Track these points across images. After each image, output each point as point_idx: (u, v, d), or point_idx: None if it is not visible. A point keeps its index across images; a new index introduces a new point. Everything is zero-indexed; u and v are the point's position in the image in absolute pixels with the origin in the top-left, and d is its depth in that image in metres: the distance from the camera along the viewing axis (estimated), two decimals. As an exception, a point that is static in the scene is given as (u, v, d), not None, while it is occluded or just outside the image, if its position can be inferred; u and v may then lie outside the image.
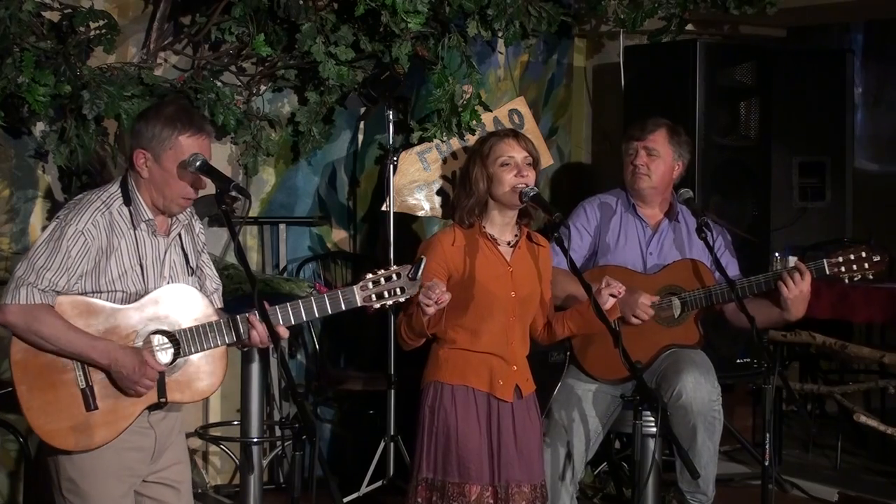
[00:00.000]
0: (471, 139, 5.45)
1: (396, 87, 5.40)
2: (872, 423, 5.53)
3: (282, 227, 5.68)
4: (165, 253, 3.45)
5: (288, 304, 3.45)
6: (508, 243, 3.99)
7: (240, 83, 5.41)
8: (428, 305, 3.59)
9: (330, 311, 3.47)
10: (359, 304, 3.46)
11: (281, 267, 5.66)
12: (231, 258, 5.29)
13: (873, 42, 8.05)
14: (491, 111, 5.69)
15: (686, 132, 4.74)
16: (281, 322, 3.42)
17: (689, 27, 6.08)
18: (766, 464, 4.07)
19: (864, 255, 4.30)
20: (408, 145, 5.59)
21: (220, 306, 3.58)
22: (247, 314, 3.41)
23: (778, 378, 4.08)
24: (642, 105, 5.93)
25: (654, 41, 5.99)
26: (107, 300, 3.35)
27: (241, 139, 5.36)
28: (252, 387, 4.83)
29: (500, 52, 6.09)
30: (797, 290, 4.27)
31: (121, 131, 4.88)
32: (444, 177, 5.54)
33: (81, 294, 3.33)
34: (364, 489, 5.27)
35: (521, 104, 5.83)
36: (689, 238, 4.55)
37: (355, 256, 5.89)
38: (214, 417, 5.48)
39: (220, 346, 3.42)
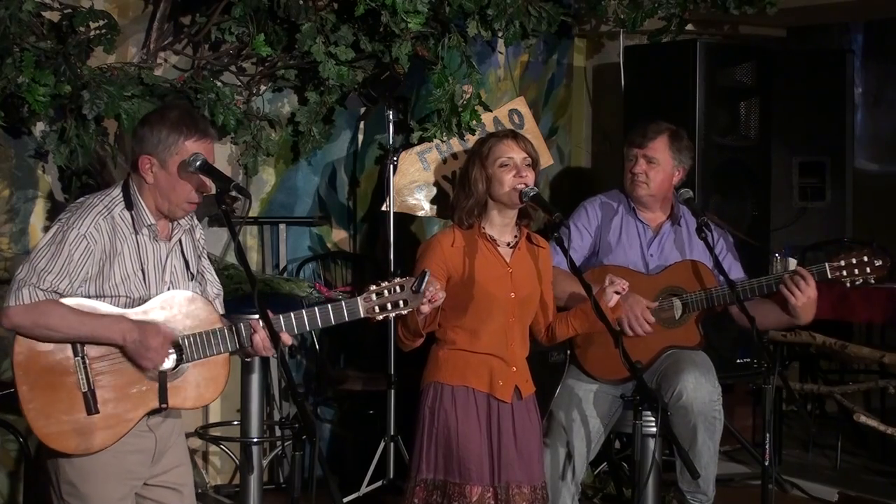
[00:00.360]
0: (471, 139, 5.45)
1: (396, 87, 5.41)
2: (872, 423, 5.53)
3: (282, 227, 5.68)
4: (167, 258, 3.45)
5: (291, 313, 3.45)
6: (508, 244, 3.99)
7: (240, 83, 5.41)
8: (422, 304, 3.59)
9: (333, 322, 3.48)
10: (362, 316, 3.47)
11: (281, 267, 5.66)
12: (231, 258, 5.29)
13: (873, 42, 8.05)
14: (491, 111, 5.69)
15: (686, 132, 4.73)
16: (283, 329, 3.42)
17: (689, 27, 6.08)
18: (766, 464, 4.07)
19: (866, 259, 4.30)
20: (408, 145, 5.60)
21: (221, 312, 3.57)
22: (249, 320, 3.40)
23: (778, 378, 4.08)
24: (642, 105, 5.94)
25: (654, 41, 5.99)
26: (111, 305, 3.35)
27: (241, 139, 5.36)
28: (252, 387, 4.84)
29: (500, 52, 6.09)
30: (804, 298, 4.27)
31: (121, 131, 4.88)
32: (444, 177, 5.54)
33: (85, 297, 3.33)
34: (364, 489, 5.27)
35: (521, 104, 5.83)
36: (691, 239, 4.54)
37: (355, 256, 5.89)
38: (214, 417, 5.48)
39: (223, 352, 3.42)
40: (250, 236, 5.66)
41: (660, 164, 4.52)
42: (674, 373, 4.42)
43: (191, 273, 3.50)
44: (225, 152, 5.44)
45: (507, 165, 3.92)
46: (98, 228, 3.33)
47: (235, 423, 5.17)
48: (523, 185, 3.89)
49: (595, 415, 4.50)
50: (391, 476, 5.27)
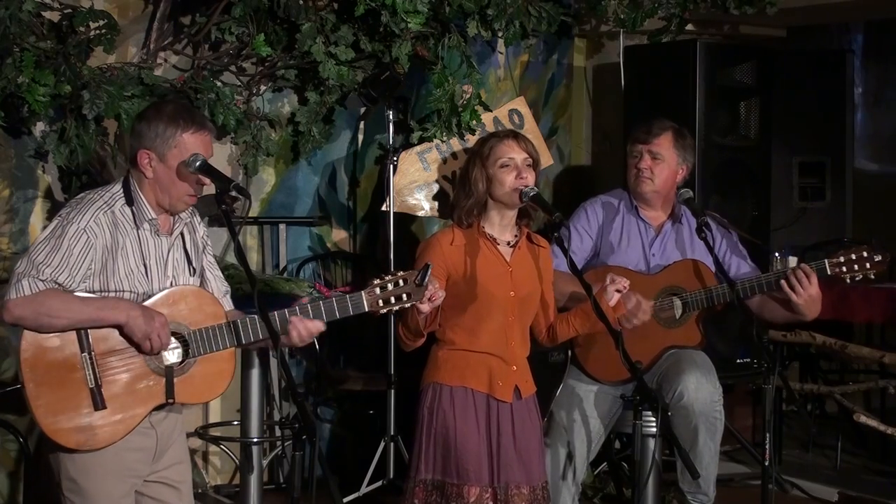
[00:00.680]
0: (471, 139, 5.45)
1: (396, 87, 5.40)
2: (872, 423, 5.53)
3: (282, 227, 5.68)
4: (168, 252, 3.45)
5: (297, 307, 3.45)
6: (508, 243, 3.99)
7: (240, 83, 5.41)
8: (422, 302, 3.59)
9: (338, 316, 3.49)
10: (366, 310, 3.48)
11: (281, 267, 5.66)
12: (231, 258, 5.29)
13: (873, 42, 8.05)
14: (491, 111, 5.69)
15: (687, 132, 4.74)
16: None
17: (689, 27, 6.08)
18: (766, 464, 4.07)
19: (865, 254, 4.30)
20: (408, 145, 5.60)
21: (230, 308, 3.58)
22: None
23: (778, 378, 4.08)
24: (642, 105, 5.94)
25: (654, 41, 5.99)
26: None
27: (241, 139, 5.36)
28: (252, 387, 4.84)
29: (500, 52, 6.09)
30: (806, 295, 4.27)
31: (121, 131, 4.88)
32: (444, 177, 5.54)
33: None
34: (364, 489, 5.27)
35: (521, 104, 5.83)
36: (692, 239, 4.54)
37: (355, 256, 5.89)
38: (214, 417, 5.48)
39: (229, 348, 3.43)
40: (250, 236, 5.66)
41: (664, 161, 4.52)
42: (675, 373, 4.42)
43: (192, 268, 3.51)
44: (225, 152, 5.44)
45: (507, 166, 3.91)
46: (98, 223, 3.33)
47: (235, 423, 5.17)
48: (523, 186, 3.88)
49: (595, 415, 4.50)
50: (391, 476, 5.27)
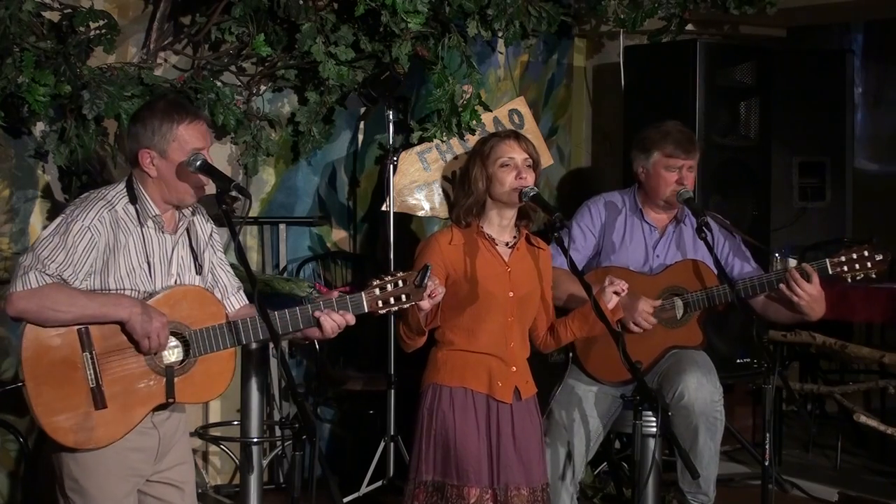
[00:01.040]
0: (471, 139, 5.45)
1: (396, 87, 5.41)
2: (872, 423, 5.53)
3: (282, 227, 5.68)
4: (173, 250, 3.46)
5: (297, 307, 3.46)
6: (507, 244, 3.98)
7: (240, 83, 5.41)
8: (422, 299, 3.59)
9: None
10: (366, 310, 3.49)
11: (281, 267, 5.66)
12: (231, 258, 5.28)
13: (873, 42, 8.05)
14: (491, 111, 5.69)
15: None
16: (287, 329, 3.45)
17: (689, 27, 6.08)
18: (766, 464, 4.07)
19: (866, 254, 4.31)
20: (408, 145, 5.60)
21: (244, 303, 3.59)
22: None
23: (778, 378, 4.08)
24: (642, 105, 5.94)
25: (654, 41, 5.99)
26: None
27: (241, 139, 5.36)
28: (252, 387, 4.83)
29: (500, 52, 6.09)
30: (807, 295, 4.27)
31: (121, 131, 4.88)
32: (444, 177, 5.54)
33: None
34: (364, 489, 5.27)
35: (521, 104, 5.83)
36: (694, 240, 4.53)
37: (355, 256, 5.89)
38: (214, 417, 5.48)
39: (230, 348, 3.43)
40: (250, 236, 5.66)
41: (695, 171, 4.54)
42: (675, 373, 4.42)
43: (198, 265, 3.51)
44: (225, 152, 5.44)
45: (507, 165, 3.91)
46: (102, 221, 3.34)
47: (235, 423, 5.17)
48: (523, 186, 3.88)
49: (595, 414, 4.50)
50: (391, 476, 5.27)
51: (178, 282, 3.45)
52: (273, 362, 5.08)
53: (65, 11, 4.88)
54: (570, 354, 4.47)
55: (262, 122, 5.45)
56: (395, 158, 5.40)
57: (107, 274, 3.34)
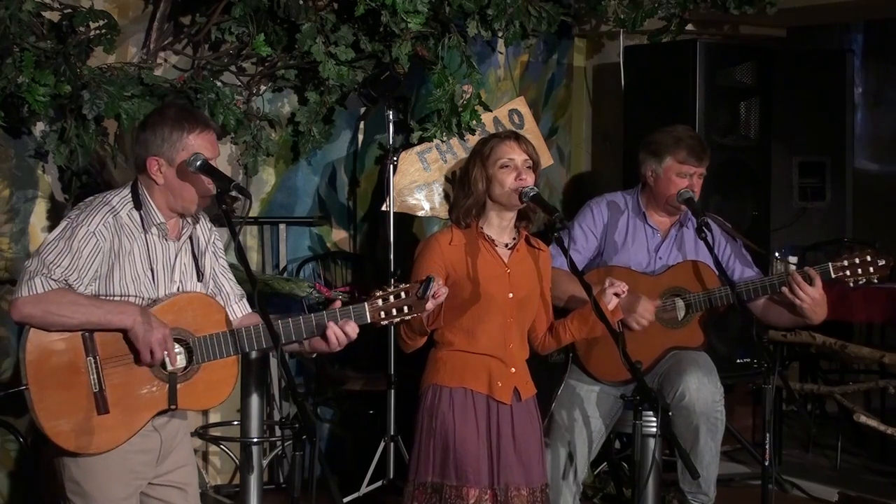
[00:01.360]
0: (471, 139, 5.45)
1: (396, 87, 5.40)
2: (872, 423, 5.53)
3: (282, 227, 5.69)
4: (176, 257, 3.45)
5: (301, 317, 3.46)
6: (506, 245, 3.98)
7: (240, 83, 5.41)
8: (423, 312, 3.59)
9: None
10: (368, 321, 3.50)
11: (281, 267, 5.66)
12: (231, 258, 5.28)
13: (873, 42, 8.06)
14: (491, 111, 5.69)
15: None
16: (291, 338, 3.46)
17: (689, 27, 6.08)
18: (766, 464, 4.07)
19: (869, 258, 4.31)
20: (408, 145, 5.60)
21: (247, 312, 3.59)
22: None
23: (778, 378, 4.08)
24: (642, 105, 5.94)
25: (654, 41, 5.99)
26: None
27: (241, 139, 5.36)
28: (252, 387, 4.83)
29: (500, 52, 6.09)
30: (809, 299, 4.27)
31: (121, 131, 4.88)
32: (444, 177, 5.54)
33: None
34: (364, 489, 5.27)
35: (521, 104, 5.83)
36: (696, 241, 4.52)
37: (355, 256, 5.89)
38: (214, 417, 5.48)
39: (233, 355, 3.43)
40: (250, 236, 5.66)
41: (704, 177, 4.54)
42: (676, 373, 4.42)
43: (200, 272, 3.51)
44: (225, 152, 5.43)
45: (507, 166, 3.91)
46: (107, 226, 3.34)
47: (235, 423, 5.17)
48: (523, 187, 3.88)
49: (597, 415, 4.50)
50: (391, 476, 5.27)
51: (181, 289, 3.45)
52: (273, 362, 5.09)
53: (65, 11, 4.88)
54: (571, 355, 4.47)
55: (262, 122, 5.45)
56: (395, 158, 5.40)
57: (111, 279, 3.34)
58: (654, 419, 4.00)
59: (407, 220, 5.76)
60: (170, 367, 3.37)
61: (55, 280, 3.26)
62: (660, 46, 5.98)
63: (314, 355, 3.61)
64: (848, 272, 4.32)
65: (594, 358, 4.45)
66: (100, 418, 3.30)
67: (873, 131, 8.12)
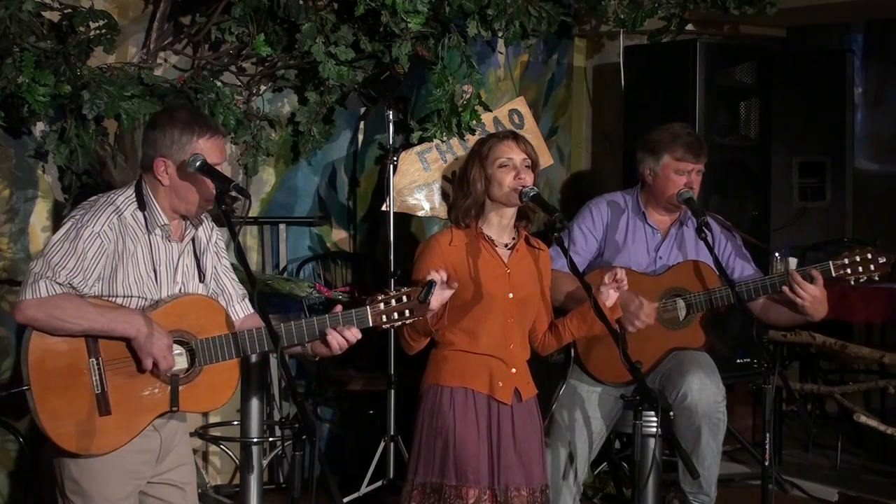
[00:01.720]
0: (471, 139, 5.45)
1: (396, 87, 5.41)
2: (872, 423, 5.53)
3: (282, 227, 5.68)
4: (179, 258, 3.45)
5: (303, 320, 3.47)
6: (506, 245, 3.98)
7: (240, 83, 5.41)
8: (425, 316, 3.59)
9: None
10: (370, 325, 3.50)
11: (281, 267, 5.66)
12: (231, 258, 5.28)
13: (873, 42, 8.06)
14: (491, 111, 5.69)
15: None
16: (293, 341, 3.46)
17: (689, 27, 6.08)
18: (766, 464, 4.07)
19: (869, 256, 4.31)
20: (408, 145, 5.60)
21: (250, 313, 3.58)
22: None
23: (778, 378, 4.08)
24: (642, 105, 5.94)
25: (654, 41, 5.99)
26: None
27: (241, 139, 5.36)
28: (252, 387, 4.84)
29: (500, 52, 6.09)
30: (810, 298, 4.27)
31: (121, 131, 4.88)
32: (444, 177, 5.54)
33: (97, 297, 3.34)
34: (364, 489, 5.27)
35: (521, 104, 5.83)
36: (696, 241, 4.52)
37: (355, 256, 5.89)
38: (214, 417, 5.48)
39: (235, 358, 3.43)
40: (250, 236, 5.66)
41: (702, 173, 4.54)
42: (678, 374, 4.42)
43: (202, 273, 3.50)
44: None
45: (506, 166, 3.91)
46: (112, 227, 3.34)
47: (235, 423, 5.17)
48: (522, 186, 3.88)
49: (598, 415, 4.50)
50: (391, 476, 5.27)
51: (183, 290, 3.45)
52: (273, 362, 5.09)
53: (65, 11, 4.88)
54: (572, 355, 4.47)
55: (262, 122, 5.45)
56: (395, 158, 5.40)
57: (114, 280, 3.34)
58: (655, 419, 3.99)
59: (407, 220, 5.76)
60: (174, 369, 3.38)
61: (60, 284, 3.25)
62: (660, 46, 5.98)
63: (317, 359, 3.62)
64: (849, 270, 4.32)
65: (595, 359, 4.45)
66: (101, 420, 3.30)
67: (873, 131, 8.12)
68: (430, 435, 3.87)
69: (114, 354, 3.31)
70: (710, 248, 4.27)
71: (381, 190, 5.61)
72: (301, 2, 5.14)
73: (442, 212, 5.55)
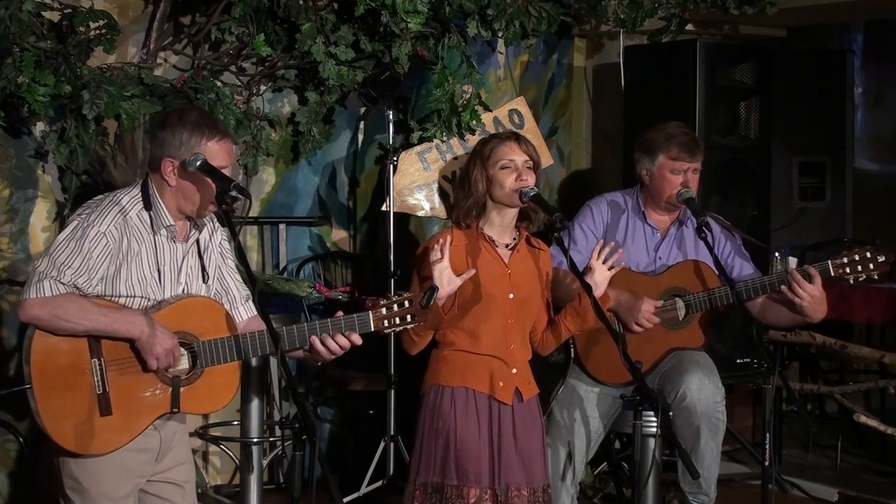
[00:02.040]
0: (471, 139, 5.45)
1: (396, 87, 5.40)
2: (872, 423, 5.53)
3: (282, 227, 5.68)
4: (183, 259, 3.46)
5: (305, 324, 3.47)
6: (507, 245, 3.98)
7: (240, 83, 5.41)
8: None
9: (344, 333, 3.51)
10: (372, 329, 3.51)
11: (281, 267, 5.66)
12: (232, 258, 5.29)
13: (873, 42, 8.05)
14: (491, 111, 5.69)
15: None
16: (294, 345, 3.46)
17: (689, 27, 6.08)
18: (766, 464, 4.07)
19: (868, 255, 4.31)
20: (408, 145, 5.60)
21: (253, 314, 3.58)
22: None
23: (778, 378, 4.08)
24: (642, 105, 5.94)
25: (654, 41, 5.99)
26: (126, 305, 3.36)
27: (241, 139, 5.36)
28: (252, 387, 4.84)
29: (500, 52, 6.09)
30: (809, 297, 4.27)
31: (121, 131, 4.88)
32: (444, 177, 5.54)
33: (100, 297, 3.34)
34: (364, 489, 5.27)
35: (521, 104, 5.83)
36: (696, 241, 4.52)
37: (355, 256, 5.89)
38: (214, 417, 5.48)
39: (237, 360, 3.44)
40: (250, 236, 5.66)
41: (699, 172, 4.54)
42: (677, 374, 4.42)
43: (206, 274, 3.50)
44: (225, 152, 5.43)
45: (508, 167, 3.91)
46: (117, 227, 3.34)
47: (235, 423, 5.17)
48: (523, 187, 3.88)
49: (596, 415, 4.50)
50: (391, 476, 5.27)
51: (186, 290, 3.46)
52: (273, 362, 5.09)
53: (65, 11, 4.88)
54: (572, 355, 4.47)
55: (262, 122, 5.45)
56: (395, 158, 5.39)
57: (118, 280, 3.34)
58: (655, 419, 3.99)
59: (407, 220, 5.76)
60: (173, 371, 3.38)
61: (64, 284, 3.26)
62: (660, 46, 5.98)
63: (318, 363, 3.63)
64: (848, 269, 4.32)
65: (595, 359, 4.45)
66: (102, 420, 3.30)
67: (873, 131, 8.12)
68: (431, 435, 3.88)
69: (116, 355, 3.32)
70: (710, 248, 4.27)
71: (381, 190, 5.61)
72: (301, 2, 5.13)
73: (442, 212, 5.55)
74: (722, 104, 5.88)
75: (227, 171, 3.41)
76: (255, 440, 4.81)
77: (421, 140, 5.54)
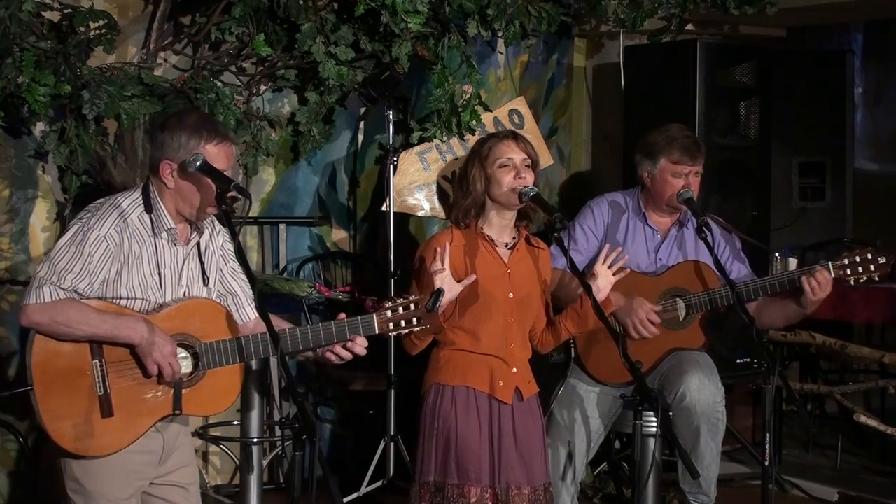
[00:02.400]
0: (471, 139, 5.45)
1: (396, 87, 5.41)
2: (872, 423, 5.53)
3: (282, 227, 5.68)
4: (184, 262, 3.46)
5: (308, 326, 3.47)
6: (506, 245, 3.98)
7: (240, 83, 5.41)
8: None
9: (348, 336, 3.53)
10: (377, 332, 3.52)
11: (281, 267, 5.66)
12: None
13: (873, 42, 8.05)
14: (491, 111, 5.69)
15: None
16: (297, 347, 3.46)
17: (689, 27, 6.08)
18: (766, 464, 4.07)
19: (869, 257, 4.31)
20: (408, 145, 5.60)
21: (255, 317, 3.58)
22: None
23: (778, 378, 4.08)
24: (642, 105, 5.94)
25: (654, 41, 5.99)
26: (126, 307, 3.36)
27: (241, 139, 5.36)
28: (252, 387, 4.83)
29: (500, 52, 6.09)
30: (823, 295, 4.28)
31: (121, 131, 4.88)
32: (444, 177, 5.54)
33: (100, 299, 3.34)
34: (364, 489, 5.27)
35: (521, 104, 5.83)
36: (696, 241, 4.53)
37: (355, 256, 5.89)
38: (214, 417, 5.48)
39: (239, 363, 3.44)
40: (250, 236, 5.66)
41: (701, 175, 4.54)
42: (677, 374, 4.42)
43: (206, 276, 3.50)
44: (225, 152, 5.43)
45: (506, 166, 3.91)
46: (118, 230, 3.34)
47: (235, 423, 5.17)
48: (522, 186, 3.87)
49: (596, 415, 4.50)
50: (391, 476, 5.27)
51: (187, 293, 3.46)
52: (273, 362, 5.09)
53: (65, 11, 4.88)
54: (572, 355, 4.47)
55: (262, 122, 5.45)
56: (395, 158, 5.39)
57: (119, 283, 3.34)
58: (655, 419, 3.99)
59: (407, 220, 5.76)
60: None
61: (64, 289, 3.26)
62: (660, 46, 5.98)
63: (325, 367, 3.63)
64: (848, 271, 4.32)
65: (595, 359, 4.45)
66: (103, 421, 3.30)
67: (873, 131, 8.12)
68: (432, 434, 3.88)
69: (117, 357, 3.32)
70: (711, 249, 4.27)
71: (381, 190, 5.61)
72: (301, 2, 5.13)
73: (442, 212, 5.55)
74: (722, 104, 5.88)
75: (227, 174, 3.40)
76: (255, 440, 4.81)
77: (421, 140, 5.54)
